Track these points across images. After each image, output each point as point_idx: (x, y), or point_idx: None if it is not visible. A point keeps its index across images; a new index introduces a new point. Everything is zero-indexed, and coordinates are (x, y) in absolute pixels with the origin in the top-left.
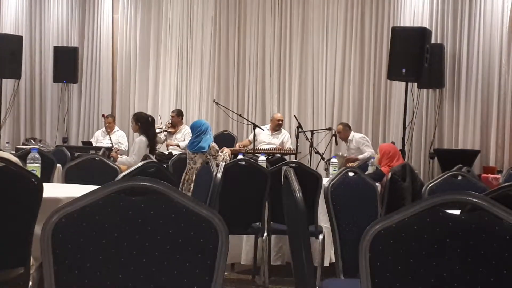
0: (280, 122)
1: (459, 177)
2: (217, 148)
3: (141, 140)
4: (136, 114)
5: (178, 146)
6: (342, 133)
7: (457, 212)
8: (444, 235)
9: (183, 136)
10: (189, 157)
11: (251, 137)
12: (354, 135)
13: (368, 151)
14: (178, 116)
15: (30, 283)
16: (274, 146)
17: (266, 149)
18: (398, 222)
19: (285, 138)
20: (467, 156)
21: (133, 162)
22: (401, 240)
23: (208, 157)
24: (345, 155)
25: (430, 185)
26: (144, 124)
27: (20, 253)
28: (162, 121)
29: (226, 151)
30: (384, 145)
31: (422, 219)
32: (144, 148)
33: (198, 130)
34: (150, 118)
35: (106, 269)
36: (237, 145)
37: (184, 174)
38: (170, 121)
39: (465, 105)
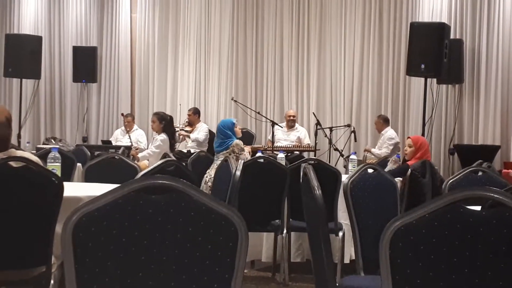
0: (293, 118)
1: (480, 173)
2: (242, 146)
3: (164, 139)
4: (159, 113)
5: (188, 136)
6: (376, 125)
7: (478, 208)
8: (464, 231)
9: (199, 133)
10: (216, 155)
11: (269, 136)
12: (388, 132)
13: (384, 151)
14: (194, 114)
15: (52, 281)
16: (292, 144)
17: (285, 146)
18: (419, 219)
19: (302, 134)
20: (487, 152)
21: (152, 153)
22: (422, 237)
23: (231, 155)
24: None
25: (450, 181)
26: (167, 124)
27: (41, 252)
28: (181, 113)
29: (247, 149)
30: (420, 137)
31: (442, 215)
32: (167, 148)
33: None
34: (169, 117)
35: (127, 267)
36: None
37: (208, 170)
38: (187, 120)
39: (485, 100)
